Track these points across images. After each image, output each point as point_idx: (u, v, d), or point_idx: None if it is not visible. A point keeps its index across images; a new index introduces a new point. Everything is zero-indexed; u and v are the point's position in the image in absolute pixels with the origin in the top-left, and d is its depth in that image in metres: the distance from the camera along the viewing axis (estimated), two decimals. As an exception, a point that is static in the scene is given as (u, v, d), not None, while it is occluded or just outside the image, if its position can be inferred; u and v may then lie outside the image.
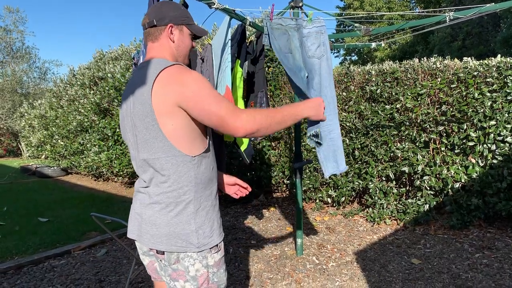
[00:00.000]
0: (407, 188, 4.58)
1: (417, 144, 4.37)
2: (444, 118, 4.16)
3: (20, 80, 18.61)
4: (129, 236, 1.57)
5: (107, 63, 7.69)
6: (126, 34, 78.02)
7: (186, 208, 1.43)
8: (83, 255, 3.99)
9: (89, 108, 7.58)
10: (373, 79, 4.75)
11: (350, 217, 4.85)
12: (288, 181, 5.71)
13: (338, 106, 4.97)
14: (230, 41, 2.80)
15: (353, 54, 28.29)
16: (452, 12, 3.09)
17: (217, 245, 1.49)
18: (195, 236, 1.43)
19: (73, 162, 8.65)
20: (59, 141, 9.04)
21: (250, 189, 1.82)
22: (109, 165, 7.10)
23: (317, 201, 5.29)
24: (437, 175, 4.22)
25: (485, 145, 3.93)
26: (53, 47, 60.67)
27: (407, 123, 4.41)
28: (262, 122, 1.40)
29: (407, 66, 4.57)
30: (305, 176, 5.27)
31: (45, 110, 10.20)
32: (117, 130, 6.87)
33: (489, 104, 3.88)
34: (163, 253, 1.45)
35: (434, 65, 4.36)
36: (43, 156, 11.19)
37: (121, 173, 6.87)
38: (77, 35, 68.73)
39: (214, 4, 2.54)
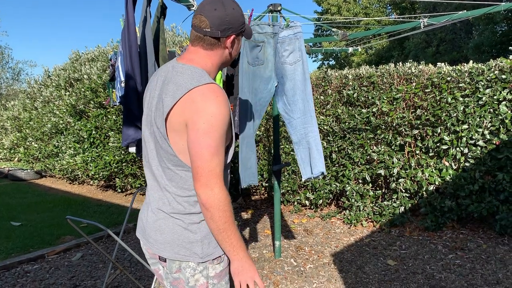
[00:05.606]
0: (383, 190, 4.66)
1: (392, 147, 4.45)
2: (418, 122, 4.26)
3: (-8, 81, 18.12)
4: (137, 234, 1.56)
5: (83, 64, 7.56)
6: (103, 34, 76.92)
7: (191, 216, 1.40)
8: (58, 259, 3.90)
9: (64, 110, 7.43)
10: (350, 83, 4.82)
11: (328, 219, 4.90)
12: (266, 184, 5.73)
13: (316, 110, 5.03)
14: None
15: (330, 59, 28.62)
16: (426, 19, 3.18)
17: (220, 256, 1.43)
18: (200, 245, 1.38)
19: (47, 165, 8.45)
20: (33, 143, 8.82)
21: None
22: (84, 168, 6.97)
23: (295, 203, 5.32)
24: (412, 178, 4.31)
25: (458, 149, 4.04)
26: (28, 47, 59.29)
27: (383, 126, 4.49)
28: (219, 212, 1.28)
29: (383, 70, 4.67)
30: (283, 178, 5.30)
31: (18, 112, 9.94)
32: (93, 132, 6.76)
33: (461, 108, 3.99)
34: (165, 260, 1.42)
35: (409, 70, 4.46)
36: (16, 159, 10.89)
37: (97, 176, 6.75)
38: (53, 35, 67.35)
39: (193, 6, 2.56)
